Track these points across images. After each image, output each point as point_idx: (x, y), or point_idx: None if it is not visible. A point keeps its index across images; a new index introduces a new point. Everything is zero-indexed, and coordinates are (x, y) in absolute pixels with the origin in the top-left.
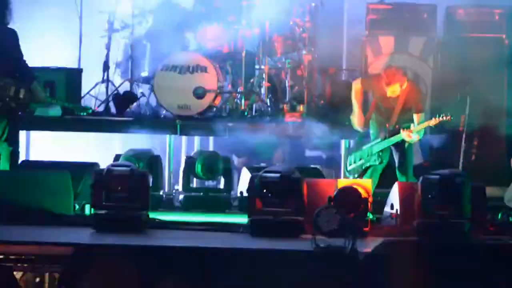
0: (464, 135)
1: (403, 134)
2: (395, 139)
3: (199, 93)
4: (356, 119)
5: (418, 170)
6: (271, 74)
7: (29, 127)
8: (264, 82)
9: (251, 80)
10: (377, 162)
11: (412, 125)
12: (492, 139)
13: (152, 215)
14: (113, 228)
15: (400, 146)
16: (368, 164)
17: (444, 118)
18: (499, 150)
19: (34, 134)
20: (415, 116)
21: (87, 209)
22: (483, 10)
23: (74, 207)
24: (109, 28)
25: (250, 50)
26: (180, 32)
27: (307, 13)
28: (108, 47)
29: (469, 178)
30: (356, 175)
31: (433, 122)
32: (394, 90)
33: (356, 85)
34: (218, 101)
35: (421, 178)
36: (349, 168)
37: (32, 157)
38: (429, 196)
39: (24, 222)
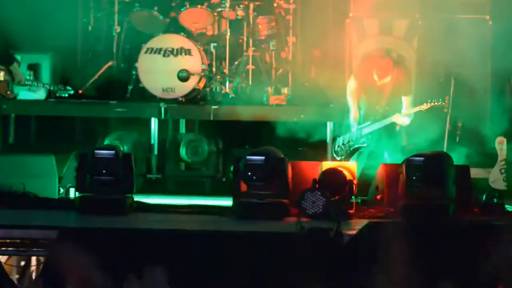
0: (448, 117)
1: (396, 117)
2: (386, 121)
3: (183, 76)
4: (351, 116)
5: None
6: (255, 56)
7: (13, 110)
8: (248, 64)
9: (236, 63)
10: (364, 144)
11: (403, 108)
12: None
13: (137, 198)
14: (98, 211)
15: (389, 129)
16: (356, 146)
17: (436, 103)
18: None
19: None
20: (404, 99)
21: (72, 193)
22: None
23: (59, 190)
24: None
25: (234, 32)
26: (164, 14)
27: None
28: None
29: (453, 159)
30: (343, 157)
31: (424, 107)
32: (382, 82)
33: (350, 84)
34: (202, 84)
35: (405, 160)
36: (336, 148)
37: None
38: (414, 178)
39: (9, 206)
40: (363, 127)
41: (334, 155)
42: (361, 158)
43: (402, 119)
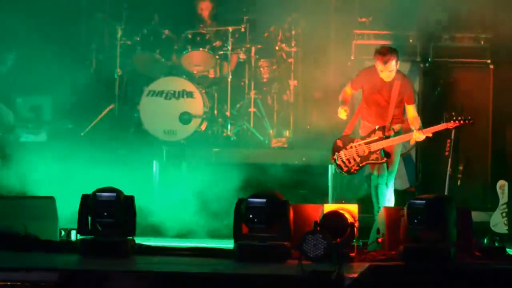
0: (450, 160)
1: (416, 134)
2: (405, 138)
3: (185, 119)
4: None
5: (404, 195)
6: (257, 99)
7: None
8: (250, 107)
9: (237, 106)
10: (384, 159)
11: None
12: (478, 164)
13: (138, 240)
14: (99, 254)
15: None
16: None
17: (465, 121)
18: (485, 175)
19: None
20: (408, 108)
21: (73, 235)
22: (469, 35)
23: (60, 232)
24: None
25: (236, 75)
26: (166, 56)
27: (293, 39)
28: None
29: (454, 203)
30: (349, 170)
31: (451, 125)
32: (390, 70)
33: (347, 89)
34: (204, 127)
35: (407, 203)
36: (338, 162)
37: None
38: (415, 221)
39: (9, 248)
40: (369, 143)
41: (337, 168)
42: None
43: (419, 135)
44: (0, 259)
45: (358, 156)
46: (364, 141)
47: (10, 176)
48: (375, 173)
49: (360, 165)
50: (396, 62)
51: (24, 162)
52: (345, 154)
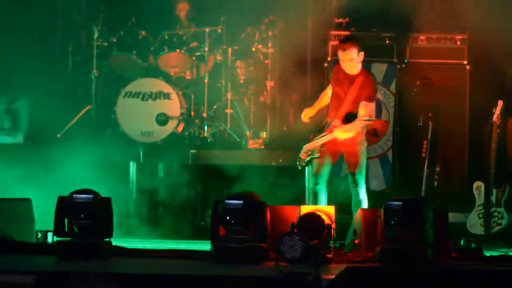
0: (426, 161)
1: (336, 133)
2: (329, 137)
3: (162, 120)
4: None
5: (381, 196)
6: (234, 100)
7: None
8: (227, 109)
9: (214, 107)
10: (317, 156)
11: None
12: (455, 165)
13: (115, 242)
14: (76, 256)
15: None
16: (312, 156)
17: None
18: (462, 176)
19: None
20: (360, 104)
21: (50, 237)
22: (445, 36)
23: (37, 234)
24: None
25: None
26: (143, 58)
27: (270, 40)
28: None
29: (431, 204)
30: (302, 165)
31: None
32: (350, 59)
33: (327, 88)
34: (181, 128)
35: (384, 204)
36: (300, 156)
37: None
38: (392, 222)
39: None
40: (318, 138)
41: (297, 162)
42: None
43: (338, 134)
44: None
45: (308, 150)
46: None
47: None
48: (315, 171)
49: (306, 159)
50: (358, 52)
51: (0, 164)
52: (305, 147)
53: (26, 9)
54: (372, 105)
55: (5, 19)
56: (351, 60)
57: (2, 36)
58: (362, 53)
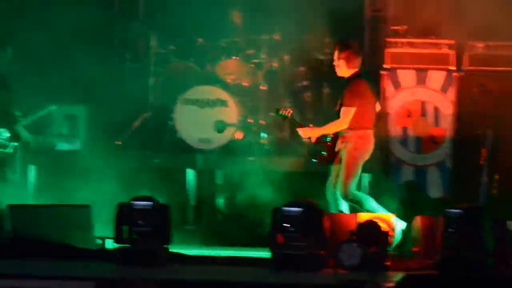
0: (485, 169)
1: (301, 130)
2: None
3: (220, 127)
4: None
5: (438, 204)
6: (291, 107)
7: None
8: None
9: (272, 114)
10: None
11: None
12: None
13: (173, 249)
14: (135, 262)
15: None
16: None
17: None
18: None
19: None
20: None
21: (108, 244)
22: (504, 44)
23: (96, 241)
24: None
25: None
26: (200, 65)
27: (325, 47)
28: None
29: (490, 212)
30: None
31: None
32: (334, 62)
33: None
34: (238, 135)
35: (443, 212)
36: None
37: None
38: (451, 230)
39: (46, 256)
40: None
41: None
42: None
43: (303, 132)
44: (37, 267)
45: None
46: None
47: (45, 185)
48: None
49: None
50: (338, 57)
51: (59, 170)
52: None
53: (84, 16)
54: (347, 110)
55: (64, 26)
56: (335, 63)
57: (61, 44)
58: (343, 61)
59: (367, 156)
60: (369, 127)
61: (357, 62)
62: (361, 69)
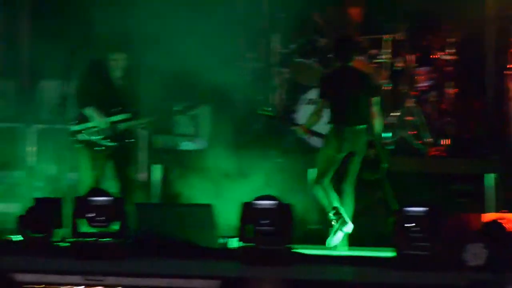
0: None
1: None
2: None
3: None
4: None
5: None
6: (415, 107)
7: None
8: (407, 116)
9: (395, 114)
10: None
11: None
12: None
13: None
14: (260, 262)
15: None
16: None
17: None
18: None
19: None
20: None
21: (231, 243)
22: None
23: (218, 240)
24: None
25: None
26: (323, 65)
27: (450, 47)
28: None
29: None
30: None
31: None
32: None
33: None
34: None
35: None
36: None
37: None
38: None
39: (171, 255)
40: None
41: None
42: None
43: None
44: (164, 266)
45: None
46: None
47: (169, 183)
48: None
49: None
50: None
51: (183, 170)
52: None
53: (206, 15)
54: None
55: (187, 25)
56: None
57: (184, 43)
58: None
59: None
60: None
61: None
62: None
